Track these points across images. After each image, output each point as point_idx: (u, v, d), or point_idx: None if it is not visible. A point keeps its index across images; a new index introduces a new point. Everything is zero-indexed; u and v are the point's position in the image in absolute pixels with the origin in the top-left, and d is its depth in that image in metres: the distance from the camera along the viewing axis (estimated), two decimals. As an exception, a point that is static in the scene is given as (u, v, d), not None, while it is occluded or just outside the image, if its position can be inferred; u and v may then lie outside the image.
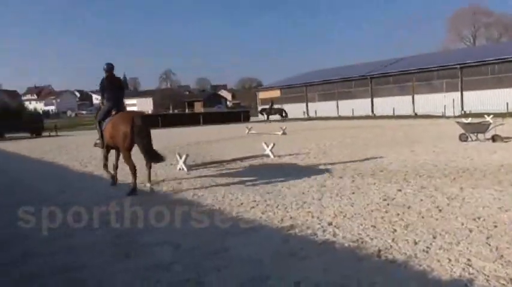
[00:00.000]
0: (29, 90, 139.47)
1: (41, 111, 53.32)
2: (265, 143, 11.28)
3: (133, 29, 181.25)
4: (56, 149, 17.39)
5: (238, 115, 42.67)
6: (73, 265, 3.80)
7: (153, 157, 6.79)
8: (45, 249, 4.26)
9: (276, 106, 39.53)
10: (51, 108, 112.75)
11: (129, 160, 6.90)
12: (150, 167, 7.10)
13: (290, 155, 11.08)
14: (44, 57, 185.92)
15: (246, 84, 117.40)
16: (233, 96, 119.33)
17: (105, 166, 7.72)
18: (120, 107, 7.30)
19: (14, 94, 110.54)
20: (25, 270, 3.76)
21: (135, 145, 6.80)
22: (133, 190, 6.72)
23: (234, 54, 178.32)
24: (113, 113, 7.20)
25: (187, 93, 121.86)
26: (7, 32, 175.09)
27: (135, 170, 6.89)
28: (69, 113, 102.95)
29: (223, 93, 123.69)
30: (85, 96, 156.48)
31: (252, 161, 10.05)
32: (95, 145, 7.91)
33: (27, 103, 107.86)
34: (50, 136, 30.10)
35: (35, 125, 30.79)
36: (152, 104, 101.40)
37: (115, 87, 7.32)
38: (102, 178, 8.51)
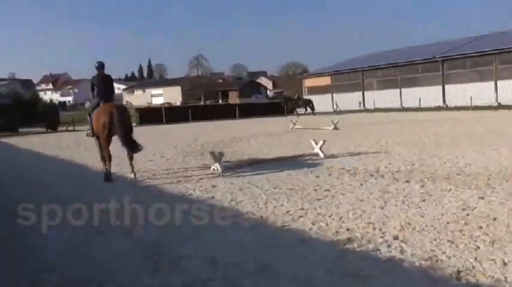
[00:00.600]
0: (44, 79, 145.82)
1: (56, 103, 55.45)
2: (314, 139, 11.22)
3: (159, 8, 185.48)
4: (73, 144, 18.07)
5: (281, 107, 42.56)
6: (93, 278, 3.89)
7: (131, 146, 8.61)
8: (62, 261, 4.40)
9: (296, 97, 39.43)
10: (68, 99, 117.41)
11: (106, 149, 8.82)
12: (131, 158, 8.85)
13: (344, 154, 11.01)
14: (60, 42, 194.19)
15: (290, 71, 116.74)
16: (274, 85, 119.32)
17: (102, 157, 9.20)
18: (109, 101, 9.12)
19: (27, 83, 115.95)
20: (41, 283, 3.89)
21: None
22: (106, 176, 8.69)
23: (276, 36, 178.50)
24: (101, 105, 9.07)
25: (220, 81, 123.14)
26: (20, 16, 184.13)
27: (111, 158, 8.82)
28: (87, 104, 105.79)
29: (263, 81, 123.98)
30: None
31: (299, 162, 10.05)
32: (87, 134, 9.65)
33: (41, 93, 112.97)
34: (66, 131, 31.32)
35: (50, 118, 32.23)
36: (180, 94, 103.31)
37: (104, 84, 9.31)
38: (125, 178, 8.73)
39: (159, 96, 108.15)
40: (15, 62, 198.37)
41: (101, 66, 9.34)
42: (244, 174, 8.77)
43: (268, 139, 16.44)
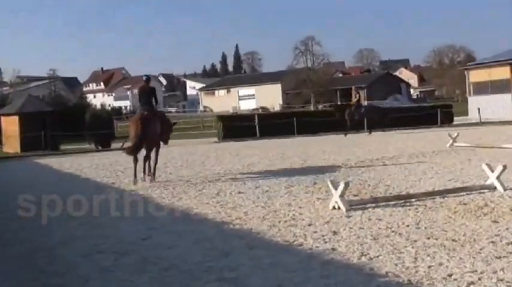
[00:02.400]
0: (94, 77, 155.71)
1: (109, 108, 58.84)
2: (488, 164, 10.84)
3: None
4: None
5: (432, 113, 41.55)
6: None
7: (147, 156, 14.50)
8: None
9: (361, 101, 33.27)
10: (125, 104, 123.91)
11: (134, 155, 14.14)
12: (148, 160, 14.55)
13: (536, 187, 10.57)
14: (113, 29, 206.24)
15: (445, 58, 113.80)
16: (421, 79, 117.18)
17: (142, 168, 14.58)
18: (148, 111, 14.46)
19: (73, 83, 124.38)
20: None
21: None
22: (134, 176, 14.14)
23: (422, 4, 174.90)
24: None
25: (340, 75, 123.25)
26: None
27: (136, 161, 14.13)
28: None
29: (404, 74, 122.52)
30: (175, 84, 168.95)
31: (463, 198, 9.78)
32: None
33: (90, 96, 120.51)
34: (122, 149, 32.84)
35: (102, 131, 33.99)
36: (281, 95, 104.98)
37: (145, 96, 14.86)
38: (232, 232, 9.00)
39: (250, 98, 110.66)
40: (56, 56, 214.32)
41: (147, 79, 15.64)
42: (380, 215, 8.67)
43: (414, 162, 16.08)
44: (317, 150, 22.65)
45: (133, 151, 14.06)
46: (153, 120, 14.38)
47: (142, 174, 14.24)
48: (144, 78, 15.78)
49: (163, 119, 15.80)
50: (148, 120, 14.16)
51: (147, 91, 14.99)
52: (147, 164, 14.54)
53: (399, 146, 22.63)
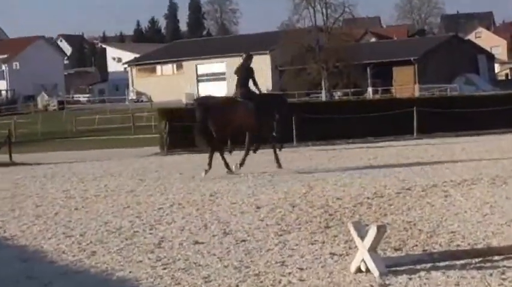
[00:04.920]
0: None
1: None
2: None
3: None
4: (8, 206, 18.75)
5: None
6: None
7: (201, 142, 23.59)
8: None
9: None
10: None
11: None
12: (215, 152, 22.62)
13: None
14: None
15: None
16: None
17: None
18: (245, 93, 22.78)
19: None
20: None
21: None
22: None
23: None
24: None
25: (372, 40, 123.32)
26: None
27: (213, 150, 22.17)
28: (43, 99, 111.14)
29: (484, 38, 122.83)
30: (86, 54, 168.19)
31: None
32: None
33: None
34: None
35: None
36: (270, 74, 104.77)
37: (241, 76, 22.53)
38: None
39: (218, 79, 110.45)
40: None
41: (246, 57, 22.43)
42: (440, 284, 8.62)
43: (500, 193, 16.11)
44: (334, 167, 22.81)
45: (199, 142, 22.87)
46: (226, 105, 21.83)
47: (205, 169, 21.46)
48: (243, 55, 21.63)
49: (269, 102, 23.36)
50: (213, 104, 21.88)
51: (241, 70, 22.24)
52: (213, 155, 21.54)
53: (474, 164, 22.69)
